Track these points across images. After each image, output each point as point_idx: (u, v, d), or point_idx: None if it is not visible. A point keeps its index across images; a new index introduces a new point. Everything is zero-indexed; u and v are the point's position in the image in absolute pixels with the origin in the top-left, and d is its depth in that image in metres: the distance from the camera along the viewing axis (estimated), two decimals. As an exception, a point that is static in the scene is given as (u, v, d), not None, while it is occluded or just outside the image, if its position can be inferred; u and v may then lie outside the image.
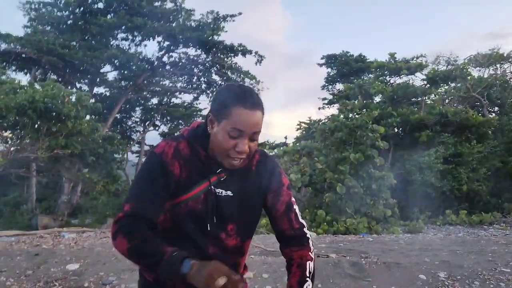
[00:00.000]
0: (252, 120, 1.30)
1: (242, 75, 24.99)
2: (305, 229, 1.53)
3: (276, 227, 1.53)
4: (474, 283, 4.70)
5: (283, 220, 1.50)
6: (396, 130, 17.37)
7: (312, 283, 1.50)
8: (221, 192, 1.41)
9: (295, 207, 1.54)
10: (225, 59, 24.62)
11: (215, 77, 25.81)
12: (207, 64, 25.44)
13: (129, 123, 30.30)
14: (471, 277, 4.87)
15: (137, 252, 1.24)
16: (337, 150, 13.67)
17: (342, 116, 14.08)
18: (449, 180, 15.23)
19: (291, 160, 14.03)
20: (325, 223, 11.87)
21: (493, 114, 21.00)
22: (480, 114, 18.85)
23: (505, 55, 23.32)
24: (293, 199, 1.54)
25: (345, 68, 30.65)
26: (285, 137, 22.94)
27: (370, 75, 28.12)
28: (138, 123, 30.38)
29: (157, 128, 30.47)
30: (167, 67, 25.32)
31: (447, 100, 20.38)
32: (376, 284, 4.64)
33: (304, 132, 29.40)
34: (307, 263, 1.49)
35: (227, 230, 1.44)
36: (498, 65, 23.71)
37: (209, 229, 1.40)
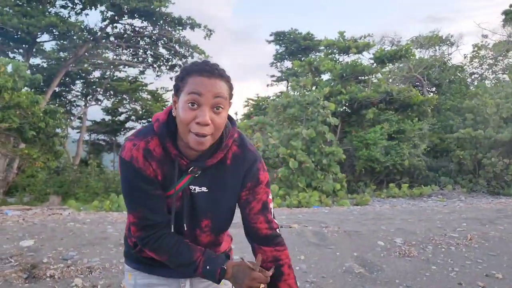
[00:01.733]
0: (209, 84, 1.21)
1: (190, 49, 24.30)
2: (279, 229, 1.48)
3: (249, 224, 1.44)
4: (428, 247, 5.01)
5: (258, 218, 1.42)
6: (344, 107, 17.87)
7: None
8: (195, 189, 1.36)
9: (271, 205, 1.46)
10: (173, 32, 23.74)
11: (162, 50, 24.92)
12: (153, 37, 24.45)
13: (69, 97, 28.73)
14: (424, 242, 5.19)
15: (174, 263, 1.38)
16: (289, 126, 13.87)
17: (294, 92, 14.24)
18: (392, 156, 16.02)
19: (243, 136, 14.02)
20: (278, 197, 12.10)
21: (432, 94, 22.25)
22: (420, 93, 19.87)
23: (443, 37, 24.69)
24: (270, 197, 1.45)
25: (293, 46, 30.90)
26: (235, 113, 22.88)
27: (317, 54, 28.61)
28: (79, 97, 28.88)
29: (99, 102, 29.15)
30: (111, 38, 24.04)
31: (391, 80, 21.25)
32: (339, 251, 4.81)
33: (252, 109, 29.51)
34: (291, 262, 1.48)
35: (201, 226, 1.42)
36: (437, 47, 25.06)
37: (185, 228, 1.38)
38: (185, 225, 1.38)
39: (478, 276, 4.07)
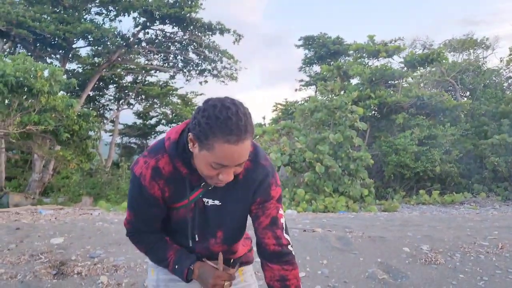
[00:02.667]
0: (237, 154, 1.16)
1: (219, 54, 24.66)
2: (290, 246, 1.43)
3: (258, 238, 1.43)
4: (456, 255, 4.86)
5: (266, 233, 1.40)
6: (373, 112, 17.62)
7: None
8: (208, 202, 1.39)
9: (283, 221, 1.43)
10: (203, 37, 24.12)
11: (192, 55, 25.37)
12: (184, 42, 24.92)
13: (102, 101, 29.63)
14: (452, 250, 5.04)
15: (150, 257, 1.50)
16: (317, 130, 13.79)
17: (322, 96, 14.16)
18: (423, 161, 15.65)
19: (270, 140, 14.06)
20: (304, 202, 12.03)
21: (465, 99, 21.60)
22: (453, 98, 19.34)
23: (478, 41, 23.94)
24: (281, 212, 1.43)
25: (322, 50, 30.70)
26: (263, 117, 22.93)
27: (347, 58, 28.31)
28: (112, 101, 29.72)
29: (131, 106, 29.90)
30: (143, 44, 24.68)
31: (422, 84, 20.79)
32: (363, 257, 4.73)
33: (280, 113, 29.51)
34: (300, 283, 1.43)
35: (215, 237, 1.45)
36: (471, 51, 24.33)
37: (197, 239, 1.43)
38: (196, 235, 1.42)
39: (508, 286, 3.92)
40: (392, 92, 17.91)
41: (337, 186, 12.71)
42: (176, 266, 1.40)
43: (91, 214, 7.94)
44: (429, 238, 5.53)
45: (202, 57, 25.05)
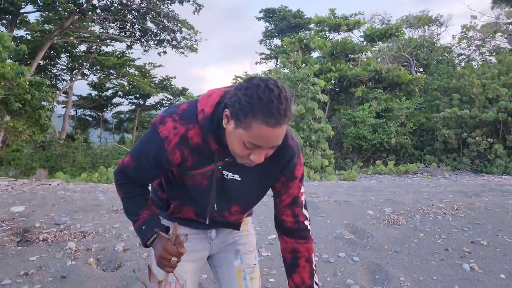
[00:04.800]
0: (273, 137, 1.14)
1: (179, 24, 23.93)
2: (307, 221, 1.49)
3: (277, 214, 1.48)
4: (416, 216, 5.13)
5: (285, 211, 1.45)
6: (333, 85, 17.90)
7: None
8: (228, 175, 1.36)
9: (303, 198, 1.48)
10: (161, 6, 23.25)
11: (150, 24, 24.43)
12: (141, 11, 23.88)
13: (54, 70, 28.14)
14: (412, 212, 5.31)
15: (124, 205, 1.43)
16: (279, 102, 13.84)
17: (284, 69, 14.19)
18: (379, 134, 16.19)
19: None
20: (266, 173, 12.15)
21: (420, 74, 22.40)
22: (408, 73, 19.98)
23: (433, 18, 24.71)
24: (302, 190, 1.46)
25: (283, 24, 30.63)
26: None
27: (307, 32, 28.40)
28: (65, 71, 28.32)
29: (86, 77, 28.66)
30: (97, 11, 23.44)
31: (380, 59, 21.30)
32: (330, 219, 4.89)
33: (240, 87, 29.33)
34: (313, 255, 1.50)
35: (230, 210, 1.45)
36: (426, 27, 25.11)
37: (216, 208, 1.41)
38: (215, 205, 1.40)
39: (464, 243, 4.19)
40: (351, 66, 18.22)
41: (299, 157, 12.92)
42: (144, 227, 1.36)
43: (50, 184, 7.64)
44: (390, 202, 5.79)
45: (161, 26, 24.20)
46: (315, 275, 1.50)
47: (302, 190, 1.46)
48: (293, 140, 1.39)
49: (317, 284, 1.50)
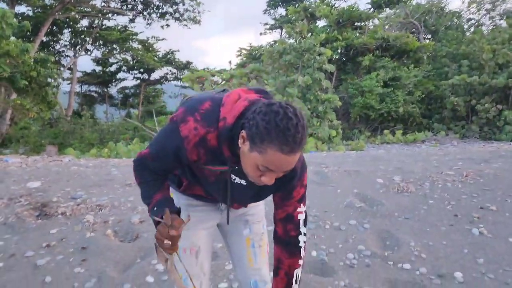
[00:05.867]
0: (286, 163, 1.17)
1: (181, -4, 23.59)
2: (301, 237, 1.50)
3: (273, 221, 1.53)
4: (425, 184, 5.17)
5: (278, 224, 1.51)
6: (340, 54, 17.66)
7: (299, 286, 1.54)
8: (235, 180, 1.41)
9: (300, 217, 1.49)
10: (163, -23, 22.87)
11: (152, -3, 24.13)
12: (143, -17, 23.58)
13: (58, 47, 28.01)
14: (421, 180, 5.35)
15: (141, 190, 1.47)
16: (285, 73, 13.74)
17: (290, 39, 13.99)
18: (387, 103, 16.07)
19: (239, 84, 13.92)
20: (274, 144, 12.19)
21: (428, 41, 21.97)
22: (417, 40, 19.61)
23: (442, -19, 23.99)
24: (299, 210, 1.49)
25: (287, -8, 29.92)
26: (230, 62, 22.53)
27: (311, 0, 27.79)
28: (68, 47, 28.15)
29: (89, 53, 28.49)
30: (98, -16, 23.12)
31: (387, 26, 20.87)
32: (340, 188, 4.95)
33: (244, 58, 29.03)
34: (295, 271, 1.52)
35: (236, 206, 1.60)
36: (435, -8, 24.42)
37: (228, 203, 1.47)
38: (228, 200, 1.46)
39: (473, 209, 4.24)
40: (358, 34, 17.90)
41: (306, 128, 12.92)
42: (155, 208, 1.39)
43: (61, 161, 7.76)
44: (400, 170, 5.82)
45: (163, -2, 23.89)
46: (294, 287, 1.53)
47: (299, 210, 1.49)
48: (299, 162, 1.41)
49: None
